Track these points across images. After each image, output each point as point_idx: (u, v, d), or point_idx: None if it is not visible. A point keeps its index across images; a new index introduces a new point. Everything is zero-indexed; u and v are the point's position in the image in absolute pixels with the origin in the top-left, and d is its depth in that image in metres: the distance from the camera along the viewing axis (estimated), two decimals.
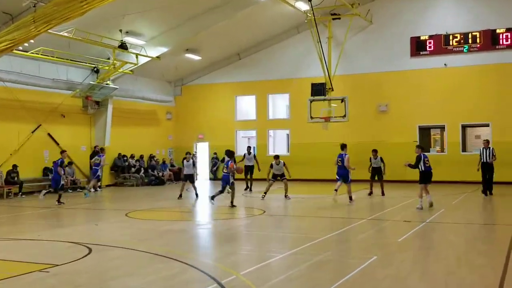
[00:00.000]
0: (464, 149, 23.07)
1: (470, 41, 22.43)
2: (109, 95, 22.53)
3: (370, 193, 17.10)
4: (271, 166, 16.54)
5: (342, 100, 21.54)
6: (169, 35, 22.09)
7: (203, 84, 27.74)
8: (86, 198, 17.95)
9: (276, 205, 15.36)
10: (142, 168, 24.55)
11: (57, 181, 15.82)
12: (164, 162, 26.04)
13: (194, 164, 17.39)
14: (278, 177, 16.59)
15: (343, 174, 15.09)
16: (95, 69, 22.03)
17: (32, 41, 15.45)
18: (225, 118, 27.02)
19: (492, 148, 17.15)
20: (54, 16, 12.51)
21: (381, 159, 16.98)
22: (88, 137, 22.94)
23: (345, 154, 15.12)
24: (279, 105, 27.95)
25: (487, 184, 17.04)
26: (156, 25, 21.42)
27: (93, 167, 19.77)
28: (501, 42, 22.00)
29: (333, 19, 23.33)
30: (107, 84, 21.89)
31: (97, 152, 21.25)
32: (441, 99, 22.85)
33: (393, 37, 23.78)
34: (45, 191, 17.09)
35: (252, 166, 20.02)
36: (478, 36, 22.28)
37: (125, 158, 24.14)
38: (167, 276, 6.72)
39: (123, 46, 20.50)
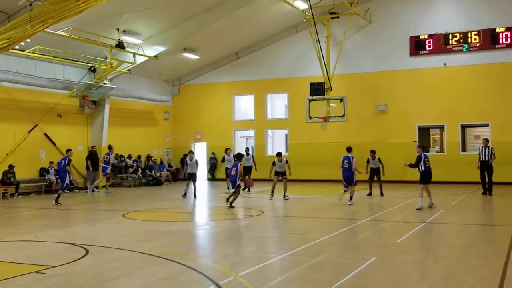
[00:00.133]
0: (463, 149, 23.12)
1: (469, 40, 22.47)
2: (106, 95, 22.51)
3: (369, 194, 17.14)
4: (274, 163, 16.69)
5: (341, 100, 21.56)
6: (166, 34, 22.08)
7: (201, 83, 27.74)
8: (108, 196, 18.64)
9: (275, 205, 15.37)
10: (139, 169, 24.52)
11: (63, 179, 16.05)
12: (161, 162, 26.02)
13: (197, 163, 17.51)
14: (280, 175, 16.68)
15: (349, 177, 15.04)
16: (92, 68, 22.01)
17: (28, 40, 15.43)
18: (223, 118, 27.02)
19: (492, 147, 17.24)
20: (50, 15, 12.49)
21: (379, 160, 17.01)
22: (85, 137, 22.92)
23: (352, 157, 15.14)
24: (278, 105, 27.95)
25: (487, 184, 17.11)
26: (154, 24, 21.40)
27: (103, 165, 19.82)
28: (501, 41, 22.05)
29: (332, 18, 23.35)
30: (104, 83, 21.87)
31: (93, 152, 21.25)
32: (441, 98, 22.89)
33: (392, 36, 23.81)
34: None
35: (250, 167, 20.07)
36: (477, 35, 22.32)
37: (122, 158, 24.12)
38: (165, 278, 6.72)
39: (120, 45, 20.49)
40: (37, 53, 18.91)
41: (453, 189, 19.06)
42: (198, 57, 25.34)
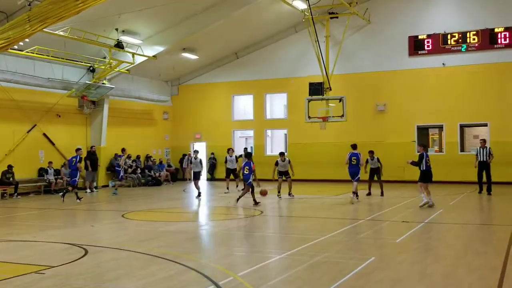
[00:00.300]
0: (462, 149, 23.13)
1: (468, 40, 22.49)
2: (105, 95, 22.49)
3: (368, 194, 17.15)
4: (276, 163, 16.81)
5: (340, 100, 21.58)
6: (165, 34, 22.07)
7: (200, 83, 27.73)
8: (114, 196, 18.93)
9: (274, 205, 15.36)
10: (138, 169, 24.50)
11: (72, 177, 16.56)
12: (161, 162, 26.01)
13: (201, 162, 17.65)
14: (283, 175, 16.85)
15: (356, 172, 15.68)
16: (91, 68, 21.99)
17: (27, 40, 15.43)
18: (222, 117, 27.02)
19: (489, 148, 17.37)
20: (49, 15, 12.48)
21: (378, 160, 17.04)
22: (84, 137, 22.90)
23: (359, 153, 15.84)
24: (277, 105, 27.96)
25: (487, 183, 17.24)
26: (153, 24, 21.39)
27: (116, 168, 20.45)
28: (499, 41, 22.06)
29: (331, 18, 23.36)
30: (103, 83, 21.85)
31: (92, 152, 21.24)
32: (439, 98, 22.90)
33: (391, 36, 23.82)
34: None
35: None
36: (476, 35, 22.34)
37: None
38: (164, 278, 6.72)
39: (119, 45, 20.47)
40: (36, 53, 18.89)
41: (452, 189, 19.08)
42: (197, 57, 25.33)
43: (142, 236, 10.08)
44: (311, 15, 21.03)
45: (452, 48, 22.82)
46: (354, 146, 16.23)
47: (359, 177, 15.70)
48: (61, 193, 16.64)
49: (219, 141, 26.71)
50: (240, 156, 20.43)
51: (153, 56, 22.38)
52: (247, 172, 14.83)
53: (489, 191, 17.18)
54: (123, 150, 20.13)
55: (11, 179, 18.75)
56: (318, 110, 21.78)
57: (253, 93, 26.77)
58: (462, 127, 23.23)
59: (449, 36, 22.83)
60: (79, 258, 7.90)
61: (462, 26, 22.69)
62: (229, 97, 27.22)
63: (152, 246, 8.83)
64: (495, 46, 22.10)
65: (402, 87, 23.64)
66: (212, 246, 9.62)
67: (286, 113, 26.67)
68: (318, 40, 21.53)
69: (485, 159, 17.13)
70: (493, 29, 22.15)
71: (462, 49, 22.65)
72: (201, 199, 17.47)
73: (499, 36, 22.06)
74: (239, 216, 13.74)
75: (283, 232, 11.03)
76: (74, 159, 16.80)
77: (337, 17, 23.42)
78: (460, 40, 22.65)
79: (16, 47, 16.89)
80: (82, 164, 21.04)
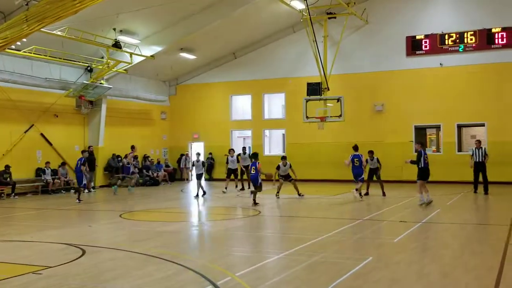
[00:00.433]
0: (459, 149, 23.17)
1: (465, 40, 22.53)
2: (103, 95, 22.46)
3: (366, 194, 17.16)
4: (278, 167, 16.80)
5: (338, 100, 21.60)
6: (163, 34, 22.05)
7: (198, 83, 27.72)
8: (130, 193, 19.59)
9: (272, 205, 15.36)
10: (136, 169, 24.45)
11: (79, 179, 16.75)
12: (158, 162, 25.99)
13: (203, 164, 17.76)
14: (284, 178, 16.91)
15: (359, 173, 16.02)
16: (89, 68, 21.96)
17: (24, 39, 15.39)
18: (220, 117, 27.01)
19: (484, 148, 17.59)
20: (46, 15, 12.46)
21: (378, 160, 17.07)
22: (82, 137, 22.87)
23: (361, 155, 16.18)
24: (275, 105, 27.96)
25: (483, 183, 17.36)
26: (151, 24, 21.37)
27: (125, 165, 20.84)
28: (496, 42, 22.10)
29: (329, 18, 23.38)
30: (100, 83, 21.82)
31: (90, 152, 21.18)
32: (437, 98, 22.94)
33: (389, 36, 23.85)
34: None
35: (248, 166, 20.10)
36: (473, 35, 22.39)
37: (119, 158, 24.06)
38: (162, 278, 6.71)
39: (117, 45, 20.44)
40: (34, 53, 18.86)
41: (449, 189, 19.11)
42: (195, 57, 25.31)
43: (140, 236, 10.07)
44: (309, 15, 21.05)
45: (449, 48, 22.86)
46: (355, 148, 16.45)
47: (363, 178, 16.13)
48: (76, 199, 16.70)
49: (217, 141, 26.71)
50: (239, 155, 20.46)
51: (151, 56, 22.36)
52: (253, 172, 15.01)
53: (486, 191, 17.26)
54: (132, 147, 20.47)
55: (8, 179, 18.71)
56: (316, 110, 21.80)
57: (251, 93, 26.76)
58: (459, 127, 23.27)
59: (446, 36, 22.87)
60: (76, 258, 7.88)
61: (460, 26, 22.73)
62: (227, 97, 27.22)
63: (150, 246, 8.82)
64: (493, 46, 22.15)
65: (400, 87, 23.67)
66: (210, 246, 9.62)
67: (284, 113, 26.68)
68: (316, 40, 21.54)
69: (480, 160, 17.27)
70: (490, 29, 22.19)
71: (460, 49, 22.69)
72: (200, 199, 17.47)
73: (496, 36, 22.10)
74: (237, 216, 13.74)
75: (281, 232, 11.03)
76: (79, 161, 17.12)
77: (335, 17, 23.44)
78: (457, 40, 22.69)
79: (13, 46, 16.87)
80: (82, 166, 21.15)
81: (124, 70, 22.41)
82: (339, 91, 22.55)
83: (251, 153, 16.26)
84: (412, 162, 14.40)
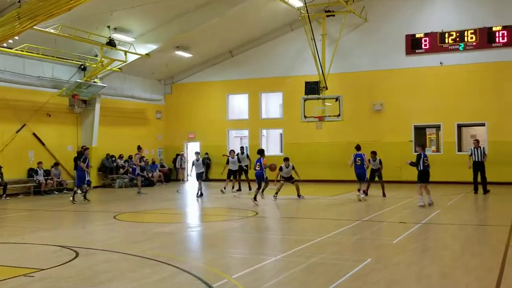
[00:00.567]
0: (459, 149, 23.23)
1: (466, 39, 22.58)
2: (97, 94, 22.42)
3: (365, 194, 17.13)
4: (280, 169, 16.84)
5: (337, 99, 21.63)
6: (159, 32, 22.02)
7: (194, 82, 27.69)
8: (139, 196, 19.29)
9: (269, 206, 15.36)
10: (131, 169, 24.42)
11: (82, 178, 16.78)
12: (153, 163, 25.95)
13: (203, 163, 17.82)
14: (286, 180, 16.93)
15: (362, 173, 16.12)
16: (82, 66, 21.91)
17: (16, 37, 15.35)
18: (217, 117, 27.00)
19: (483, 148, 17.74)
20: (39, 12, 12.43)
21: (380, 161, 17.09)
22: (75, 137, 22.82)
23: (364, 154, 16.29)
24: (272, 104, 27.97)
25: (482, 183, 17.52)
26: (146, 22, 21.34)
27: (132, 166, 21.23)
28: (497, 40, 22.16)
29: (327, 16, 23.39)
30: (94, 82, 21.78)
31: (82, 152, 21.16)
32: (437, 98, 22.98)
33: (388, 34, 23.89)
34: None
35: (246, 166, 20.18)
36: (474, 34, 22.44)
37: (113, 158, 24.03)
38: (157, 280, 6.70)
39: (111, 43, 20.40)
40: (26, 51, 18.80)
41: (449, 189, 19.16)
42: (191, 55, 25.29)
43: (134, 238, 10.05)
44: (307, 13, 21.06)
45: (449, 47, 22.92)
46: (358, 147, 16.53)
47: (367, 178, 16.34)
48: (82, 197, 16.89)
49: (213, 141, 26.70)
50: (237, 155, 20.48)
51: (146, 54, 22.33)
52: (258, 169, 15.45)
53: (485, 191, 17.37)
54: (139, 148, 20.78)
55: None
56: (314, 109, 21.82)
57: (248, 92, 26.76)
58: (459, 126, 23.33)
59: (446, 35, 22.92)
60: (69, 261, 7.86)
61: (460, 24, 22.79)
62: (223, 96, 27.20)
63: (145, 248, 8.80)
64: (493, 45, 22.21)
65: (399, 86, 23.71)
66: (206, 247, 9.61)
67: (281, 112, 26.68)
68: (314, 39, 21.56)
69: (479, 159, 17.36)
70: (491, 28, 22.25)
71: (460, 48, 22.75)
72: (198, 199, 17.46)
73: (497, 34, 22.16)
74: (234, 217, 13.74)
75: (279, 233, 11.04)
76: (81, 158, 17.28)
77: (333, 15, 23.45)
78: (457, 39, 22.74)
79: (5, 44, 16.82)
80: (73, 165, 21.12)
81: (119, 68, 22.37)
82: (337, 90, 22.57)
83: (258, 149, 16.48)
84: (411, 164, 14.53)
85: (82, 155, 21.01)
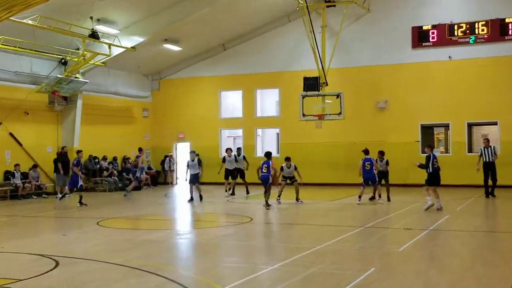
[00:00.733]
0: (470, 150, 23.32)
1: (476, 31, 22.68)
2: (79, 90, 22.37)
3: (372, 198, 17.16)
4: (282, 168, 16.97)
5: (338, 96, 21.67)
6: (146, 23, 21.98)
7: (184, 77, 27.68)
8: (126, 198, 19.34)
9: (264, 211, 15.39)
10: (115, 172, 24.40)
11: (75, 181, 16.89)
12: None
13: (200, 164, 17.82)
14: (288, 179, 17.05)
15: (372, 177, 16.34)
16: (63, 60, 21.85)
17: None
18: (208, 115, 26.99)
19: (494, 147, 17.78)
20: (16, 2, 12.34)
21: (387, 162, 17.13)
22: (55, 137, 22.76)
23: (373, 159, 16.53)
24: (268, 101, 27.99)
25: (491, 186, 17.57)
26: (132, 12, 21.30)
27: (133, 169, 21.28)
28: (510, 33, 22.26)
29: (327, 6, 23.42)
30: (76, 77, 21.73)
31: (64, 153, 21.13)
32: (445, 95, 23.07)
33: (393, 26, 23.96)
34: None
35: (243, 168, 20.26)
36: (485, 26, 22.54)
37: (97, 160, 23.98)
38: None
39: (94, 35, 20.33)
40: (2, 44, 18.72)
41: (459, 193, 19.24)
42: (180, 48, 25.28)
43: (119, 246, 10.05)
44: (306, 3, 21.10)
45: (459, 40, 23.02)
46: (366, 151, 16.63)
47: (377, 182, 16.57)
48: (78, 203, 16.92)
49: (204, 141, 26.69)
50: (234, 155, 20.56)
51: (132, 47, 22.30)
52: (265, 172, 15.69)
53: (492, 193, 17.47)
54: (140, 150, 21.09)
55: None
56: (313, 107, 21.85)
57: (242, 89, 26.77)
58: (470, 125, 23.43)
59: (456, 27, 23.01)
60: (49, 271, 7.85)
61: (470, 16, 22.89)
62: (215, 92, 27.20)
63: (130, 256, 8.81)
64: (506, 37, 22.30)
65: (405, 82, 23.79)
66: (197, 256, 9.63)
67: (278, 110, 26.71)
68: (313, 31, 21.59)
69: (490, 160, 17.42)
70: (503, 19, 22.36)
71: (470, 41, 22.85)
72: (190, 203, 17.51)
73: (510, 26, 22.27)
74: (227, 223, 13.74)
75: (275, 241, 11.06)
76: (74, 161, 17.29)
77: (334, 6, 23.49)
78: (468, 31, 22.84)
79: None
80: (53, 167, 21.06)
81: (102, 63, 22.32)
82: (338, 87, 22.62)
83: (265, 152, 16.72)
84: (420, 166, 14.63)
85: (62, 156, 21.06)
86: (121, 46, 21.73)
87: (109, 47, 21.24)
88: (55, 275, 7.66)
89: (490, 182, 17.62)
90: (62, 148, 21.59)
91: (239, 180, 20.47)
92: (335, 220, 13.72)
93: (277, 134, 27.12)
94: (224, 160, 20.30)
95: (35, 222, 14.29)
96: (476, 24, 22.70)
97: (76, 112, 22.75)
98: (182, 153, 27.96)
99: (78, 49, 21.23)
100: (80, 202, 16.86)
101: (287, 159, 17.26)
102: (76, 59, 21.35)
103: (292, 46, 25.36)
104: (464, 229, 11.88)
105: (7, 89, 20.36)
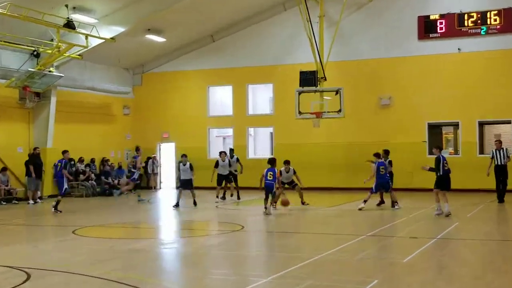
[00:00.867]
0: (481, 151, 23.46)
1: (488, 21, 22.82)
2: (52, 85, 22.31)
3: (380, 203, 17.19)
4: (280, 173, 17.02)
5: (337, 92, 21.73)
6: (126, 12, 21.95)
7: (169, 71, 27.67)
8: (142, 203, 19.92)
9: (257, 218, 15.39)
10: (93, 175, 24.32)
11: (60, 184, 17.07)
12: (120, 167, 25.87)
13: (191, 168, 17.75)
14: (286, 184, 17.24)
15: (385, 183, 16.39)
16: (35, 53, 21.76)
17: None
18: (196, 113, 27.00)
19: (506, 149, 17.97)
20: None
21: (390, 163, 17.20)
22: (26, 136, 22.67)
23: (384, 162, 16.56)
24: (261, 98, 28.04)
25: (502, 190, 17.79)
26: (111, 0, 21.26)
27: (131, 170, 21.55)
28: None
29: None
30: (49, 71, 21.65)
31: (36, 155, 21.03)
32: (455, 91, 23.19)
33: (397, 16, 24.07)
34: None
35: (236, 171, 20.26)
36: (498, 15, 22.67)
37: (73, 162, 23.87)
38: None
39: (69, 25, 20.27)
40: None
41: (470, 198, 19.35)
42: (164, 39, 25.26)
43: (97, 257, 10.02)
44: None
45: (469, 31, 23.15)
46: (378, 155, 16.66)
47: (391, 188, 16.62)
48: (52, 208, 16.93)
49: (191, 142, 26.65)
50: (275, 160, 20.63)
51: (111, 38, 22.26)
52: (270, 179, 15.80)
53: (501, 199, 17.64)
54: (137, 149, 21.35)
55: None
56: (310, 104, 21.89)
57: (232, 84, 26.80)
58: (481, 124, 23.57)
59: (466, 17, 23.14)
60: (19, 284, 7.81)
61: (481, 5, 23.04)
62: (203, 88, 27.21)
63: (109, 268, 8.78)
64: None
65: (411, 77, 23.89)
66: (183, 267, 9.62)
67: (272, 107, 26.74)
68: (310, 21, 21.64)
69: (503, 162, 17.61)
70: None
71: (482, 32, 22.98)
72: (176, 209, 17.61)
73: None
74: (216, 232, 13.73)
75: (269, 251, 11.06)
76: (59, 163, 17.26)
77: None
78: (479, 21, 22.97)
79: None
80: (24, 170, 20.95)
81: (78, 55, 22.26)
82: (337, 82, 22.69)
83: (269, 159, 16.84)
84: (430, 169, 14.75)
85: (34, 158, 20.96)
86: (99, 37, 21.69)
87: (86, 38, 21.18)
88: None
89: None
90: (34, 149, 21.48)
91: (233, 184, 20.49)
92: (334, 228, 13.75)
93: (271, 133, 27.17)
94: (216, 164, 20.18)
95: (5, 230, 14.20)
96: (488, 13, 22.85)
97: (49, 110, 22.68)
98: (166, 155, 27.97)
99: (52, 40, 21.14)
100: (55, 208, 16.79)
101: (286, 162, 17.31)
102: (49, 51, 21.28)
103: (288, 37, 25.40)
104: (475, 237, 11.94)
105: None
